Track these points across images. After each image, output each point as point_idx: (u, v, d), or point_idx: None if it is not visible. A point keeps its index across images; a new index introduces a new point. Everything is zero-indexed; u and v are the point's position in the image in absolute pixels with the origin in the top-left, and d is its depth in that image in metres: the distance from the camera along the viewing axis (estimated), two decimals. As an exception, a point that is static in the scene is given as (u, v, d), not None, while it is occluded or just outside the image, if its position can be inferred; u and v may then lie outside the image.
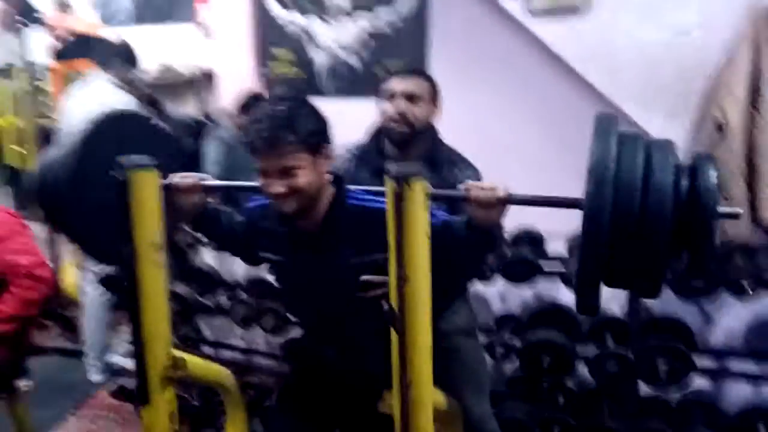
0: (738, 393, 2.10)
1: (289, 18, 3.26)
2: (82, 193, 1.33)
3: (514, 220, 2.20)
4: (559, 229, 2.23)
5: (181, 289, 2.29)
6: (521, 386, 2.11)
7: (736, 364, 2.08)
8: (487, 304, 2.38)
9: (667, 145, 1.02)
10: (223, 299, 2.46)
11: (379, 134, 1.64)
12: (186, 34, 3.35)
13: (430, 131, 1.61)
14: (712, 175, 0.98)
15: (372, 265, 1.16)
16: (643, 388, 1.97)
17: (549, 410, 2.00)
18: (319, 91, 3.17)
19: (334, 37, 3.19)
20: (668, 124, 2.48)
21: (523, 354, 1.98)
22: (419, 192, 1.00)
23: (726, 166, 2.19)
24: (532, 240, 2.24)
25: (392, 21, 3.09)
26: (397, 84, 1.56)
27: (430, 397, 1.08)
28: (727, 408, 2.04)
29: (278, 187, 1.19)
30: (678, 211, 0.96)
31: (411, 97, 1.55)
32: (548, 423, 1.96)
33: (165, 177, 1.28)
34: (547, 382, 2.05)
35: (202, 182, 1.35)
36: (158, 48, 3.40)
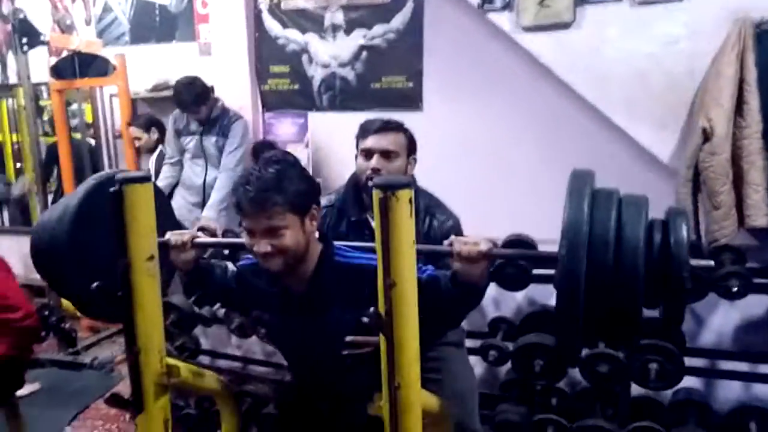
0: (729, 392, 2.12)
1: (288, 36, 3.34)
2: (78, 254, 1.35)
3: (507, 228, 2.25)
4: (552, 237, 2.26)
5: (178, 299, 2.31)
6: (515, 389, 2.14)
7: (727, 364, 2.10)
8: (481, 309, 2.41)
9: (640, 201, 1.04)
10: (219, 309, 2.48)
11: (357, 186, 1.66)
12: (186, 53, 3.46)
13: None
14: (683, 229, 1.00)
15: (361, 322, 1.10)
16: (635, 389, 1.99)
17: (542, 412, 2.02)
18: (315, 106, 3.21)
19: (332, 53, 3.25)
20: (657, 135, 2.51)
21: (516, 357, 2.01)
22: (404, 201, 1.03)
23: (714, 173, 2.22)
24: (525, 246, 2.27)
25: (386, 34, 3.14)
26: (373, 142, 1.58)
27: (418, 399, 1.11)
28: (718, 407, 2.06)
29: (264, 246, 1.19)
30: (651, 265, 0.98)
31: (387, 154, 1.57)
32: (542, 425, 1.98)
33: (162, 235, 1.32)
34: (540, 385, 2.07)
35: (195, 239, 1.40)
36: (158, 66, 3.51)
